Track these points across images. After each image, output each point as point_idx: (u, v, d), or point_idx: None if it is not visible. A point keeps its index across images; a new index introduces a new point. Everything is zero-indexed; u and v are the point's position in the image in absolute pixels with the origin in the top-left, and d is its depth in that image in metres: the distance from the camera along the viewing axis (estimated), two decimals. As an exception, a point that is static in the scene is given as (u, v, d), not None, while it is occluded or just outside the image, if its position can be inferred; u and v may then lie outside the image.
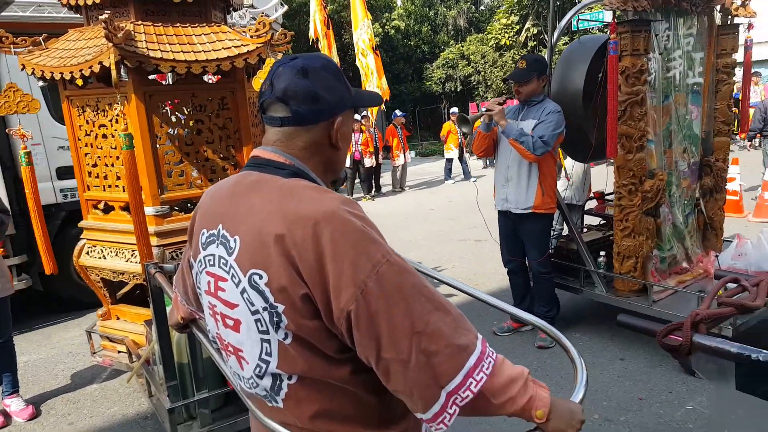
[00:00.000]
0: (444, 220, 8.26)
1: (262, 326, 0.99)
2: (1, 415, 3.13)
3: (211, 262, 1.07)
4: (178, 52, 2.68)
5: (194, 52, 2.72)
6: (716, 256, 3.66)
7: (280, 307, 0.96)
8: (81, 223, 3.21)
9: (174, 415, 2.30)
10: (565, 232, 4.32)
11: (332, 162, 1.13)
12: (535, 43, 19.51)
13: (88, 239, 3.14)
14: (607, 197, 4.47)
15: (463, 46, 21.56)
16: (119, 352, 3.14)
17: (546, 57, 3.79)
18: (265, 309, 0.97)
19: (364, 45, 9.09)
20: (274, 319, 0.97)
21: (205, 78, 2.97)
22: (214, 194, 1.14)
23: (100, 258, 3.06)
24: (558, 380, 3.31)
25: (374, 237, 0.96)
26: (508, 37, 19.74)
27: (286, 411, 1.05)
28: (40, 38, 2.93)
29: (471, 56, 21.00)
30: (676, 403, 3.00)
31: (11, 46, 2.85)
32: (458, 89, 21.62)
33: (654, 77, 3.34)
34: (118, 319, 3.25)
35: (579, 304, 4.39)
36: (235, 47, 2.79)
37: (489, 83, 20.60)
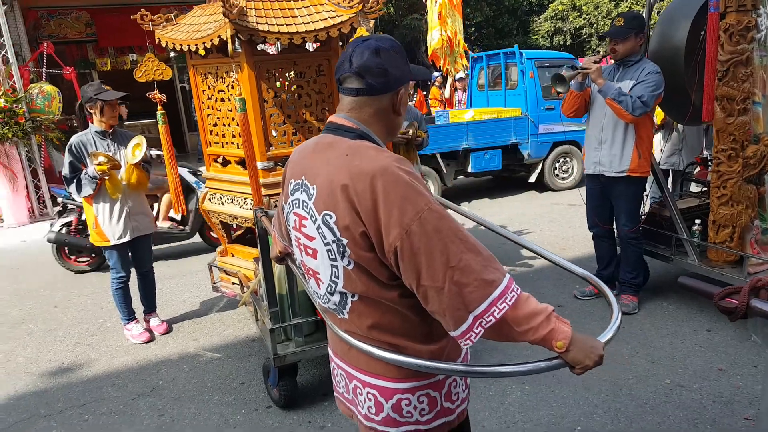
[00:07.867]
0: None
1: (332, 255, 1.28)
2: (148, 333, 3.84)
3: (297, 205, 1.36)
4: (282, 25, 3.00)
5: (295, 24, 3.03)
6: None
7: (345, 241, 1.23)
8: (204, 174, 3.77)
9: (274, 334, 2.76)
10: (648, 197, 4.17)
11: (393, 125, 1.38)
12: (658, -10, 17.56)
13: (210, 188, 3.68)
14: (709, 163, 4.22)
15: (575, -4, 20.05)
16: (233, 283, 3.71)
17: (644, 14, 3.62)
18: (334, 242, 1.25)
19: None
20: (340, 249, 1.24)
21: (307, 46, 3.28)
22: (300, 152, 1.42)
23: (219, 204, 3.58)
24: (646, 349, 3.32)
25: (419, 189, 1.19)
26: (628, -16, 18.03)
27: (350, 321, 1.35)
28: (172, 15, 3.41)
29: (583, 7, 19.48)
30: (759, 377, 2.91)
31: (150, 22, 3.37)
32: (567, 43, 20.26)
33: (764, 35, 3.09)
34: (233, 256, 3.81)
35: (670, 273, 4.27)
36: (330, 18, 3.05)
37: (602, 36, 19.04)
